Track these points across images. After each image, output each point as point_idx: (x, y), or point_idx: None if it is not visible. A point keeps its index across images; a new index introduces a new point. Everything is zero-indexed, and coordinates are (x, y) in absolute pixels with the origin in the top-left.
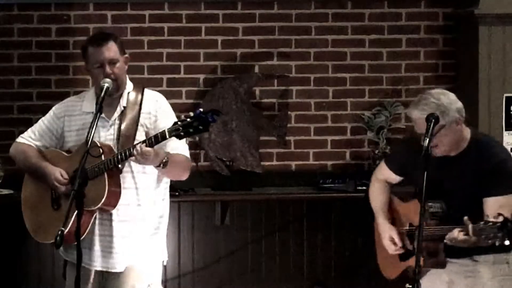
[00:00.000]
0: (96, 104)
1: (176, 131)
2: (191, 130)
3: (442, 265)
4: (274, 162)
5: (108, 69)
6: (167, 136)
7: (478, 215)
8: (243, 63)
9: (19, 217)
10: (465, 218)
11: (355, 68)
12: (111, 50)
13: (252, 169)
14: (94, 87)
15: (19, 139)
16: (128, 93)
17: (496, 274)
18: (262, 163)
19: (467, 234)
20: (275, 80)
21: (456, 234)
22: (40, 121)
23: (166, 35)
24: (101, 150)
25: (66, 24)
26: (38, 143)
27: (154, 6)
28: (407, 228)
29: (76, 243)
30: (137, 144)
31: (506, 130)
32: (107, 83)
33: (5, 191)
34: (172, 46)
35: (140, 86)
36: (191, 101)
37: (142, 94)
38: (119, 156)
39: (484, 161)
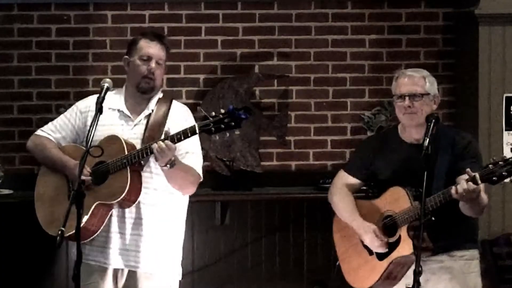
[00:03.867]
0: (97, 104)
1: (207, 126)
2: (222, 126)
3: (429, 249)
4: (274, 162)
5: (153, 64)
6: (197, 131)
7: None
8: (243, 63)
9: (19, 217)
10: (467, 169)
11: (355, 68)
12: (162, 51)
13: (252, 169)
14: (126, 84)
15: (39, 132)
16: (159, 98)
17: (470, 270)
18: (262, 163)
19: (475, 182)
20: (275, 80)
21: (466, 184)
22: (62, 115)
23: (166, 35)
24: (102, 151)
25: (66, 24)
26: (58, 136)
27: (154, 6)
28: (384, 220)
29: (90, 239)
30: (159, 140)
31: (506, 130)
32: (107, 83)
33: (5, 191)
34: (172, 46)
35: (168, 96)
36: (191, 101)
37: (170, 104)
38: (143, 151)
39: (455, 143)
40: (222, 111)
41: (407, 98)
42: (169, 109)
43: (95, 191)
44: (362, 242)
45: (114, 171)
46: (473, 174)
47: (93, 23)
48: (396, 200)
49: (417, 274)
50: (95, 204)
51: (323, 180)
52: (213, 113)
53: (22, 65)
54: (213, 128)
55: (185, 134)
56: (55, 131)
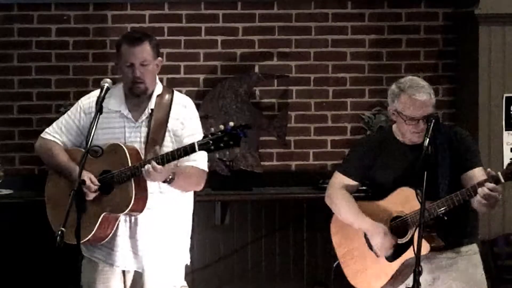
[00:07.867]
0: (96, 104)
1: (206, 145)
2: (221, 144)
3: (441, 248)
4: (274, 162)
5: (137, 71)
6: (197, 149)
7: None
8: (243, 63)
9: (19, 217)
10: (488, 170)
11: (355, 68)
12: (144, 51)
13: (252, 169)
14: (122, 85)
15: (45, 135)
16: (158, 96)
17: (476, 264)
18: (262, 163)
19: (498, 181)
20: (275, 80)
21: (491, 185)
22: (66, 115)
23: (166, 35)
24: (101, 150)
25: (66, 24)
26: (64, 139)
27: (154, 6)
28: (393, 221)
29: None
30: (148, 161)
31: (506, 130)
32: (107, 83)
33: (5, 191)
34: (172, 46)
35: (170, 89)
36: None
37: (172, 98)
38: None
39: (452, 139)
40: (222, 127)
41: (421, 121)
42: (170, 105)
43: (102, 201)
44: (368, 243)
45: (119, 182)
46: (494, 173)
47: (93, 23)
48: (406, 201)
49: (417, 274)
50: (102, 215)
51: (323, 180)
52: (212, 130)
53: (22, 65)
54: (212, 147)
55: (185, 151)
56: (61, 134)
